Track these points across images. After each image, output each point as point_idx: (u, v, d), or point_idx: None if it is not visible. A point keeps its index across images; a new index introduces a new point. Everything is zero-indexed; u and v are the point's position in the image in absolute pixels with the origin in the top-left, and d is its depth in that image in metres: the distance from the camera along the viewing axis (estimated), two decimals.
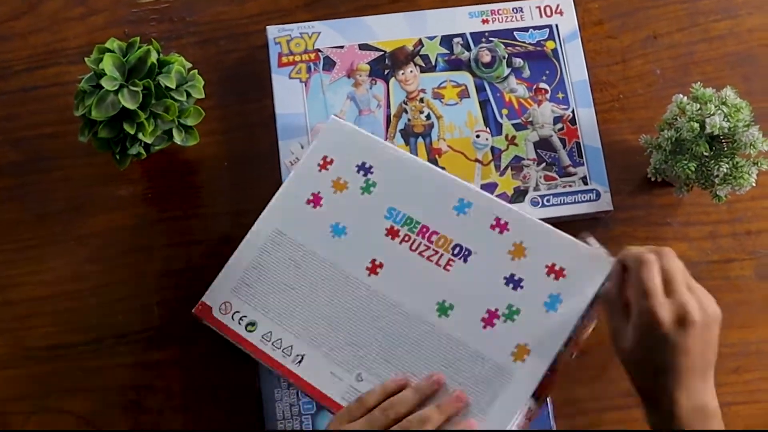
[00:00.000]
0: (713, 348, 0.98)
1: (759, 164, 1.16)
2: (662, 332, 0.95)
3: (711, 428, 0.97)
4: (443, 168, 1.21)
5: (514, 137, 1.26)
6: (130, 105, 1.14)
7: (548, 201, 1.23)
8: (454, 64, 1.29)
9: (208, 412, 1.21)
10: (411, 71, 1.29)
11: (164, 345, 1.23)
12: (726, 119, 1.13)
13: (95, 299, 1.24)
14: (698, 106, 1.15)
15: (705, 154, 1.15)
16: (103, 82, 1.13)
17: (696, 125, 1.14)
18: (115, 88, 1.14)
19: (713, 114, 1.13)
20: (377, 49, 1.30)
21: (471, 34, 1.30)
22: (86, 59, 1.17)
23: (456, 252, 1.10)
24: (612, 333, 1.00)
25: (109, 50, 1.17)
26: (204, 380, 1.22)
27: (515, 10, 1.31)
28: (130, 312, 1.24)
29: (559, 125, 1.27)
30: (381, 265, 1.11)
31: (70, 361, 1.22)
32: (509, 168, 1.25)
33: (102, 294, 1.24)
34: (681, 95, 1.19)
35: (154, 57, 1.17)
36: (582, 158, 1.25)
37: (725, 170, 1.14)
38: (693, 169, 1.15)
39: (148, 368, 1.22)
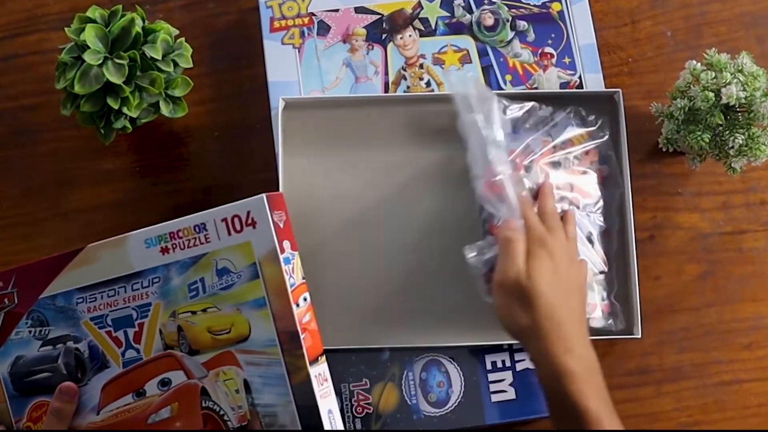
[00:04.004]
0: None
1: None
2: None
3: None
4: None
5: None
6: (115, 79, 1.09)
7: None
8: (455, 28, 1.24)
9: None
10: (410, 35, 1.23)
11: None
12: (742, 88, 1.07)
13: None
14: (713, 74, 1.10)
15: (720, 124, 1.09)
16: (86, 57, 1.08)
17: (711, 95, 1.08)
18: (99, 61, 1.08)
19: (729, 83, 1.08)
20: (374, 12, 1.24)
21: None
22: (67, 30, 1.11)
23: None
24: None
25: (90, 20, 1.11)
26: None
27: None
28: None
29: None
30: None
31: None
32: None
33: None
34: (694, 61, 1.13)
35: (138, 26, 1.12)
36: None
37: (741, 141, 1.09)
38: (707, 140, 1.10)
39: None
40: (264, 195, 0.99)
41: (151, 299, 1.03)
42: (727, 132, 1.10)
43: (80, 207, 1.23)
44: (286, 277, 0.99)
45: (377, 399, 1.14)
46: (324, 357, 1.02)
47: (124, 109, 1.11)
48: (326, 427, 0.99)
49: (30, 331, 1.07)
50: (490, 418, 1.14)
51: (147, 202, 1.22)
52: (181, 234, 1.02)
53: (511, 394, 1.15)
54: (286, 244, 1.00)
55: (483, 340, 1.14)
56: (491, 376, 1.15)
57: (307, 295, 1.02)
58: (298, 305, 1.00)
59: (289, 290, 0.99)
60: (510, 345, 1.16)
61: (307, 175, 1.18)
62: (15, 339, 1.07)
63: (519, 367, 1.15)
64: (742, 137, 1.10)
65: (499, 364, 1.15)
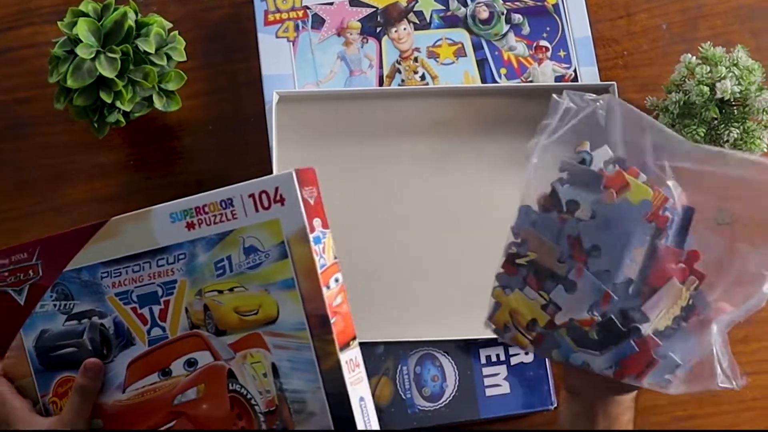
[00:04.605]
0: None
1: None
2: None
3: None
4: None
5: None
6: (108, 73, 1.08)
7: None
8: (450, 21, 1.23)
9: None
10: (404, 29, 1.23)
11: None
12: (737, 83, 1.07)
13: None
14: (708, 68, 1.09)
15: (715, 118, 1.09)
16: (79, 51, 1.07)
17: (706, 89, 1.08)
18: (92, 56, 1.08)
19: (724, 77, 1.08)
20: (369, 5, 1.24)
21: None
22: (59, 23, 1.11)
23: None
24: None
25: (83, 13, 1.11)
26: None
27: None
28: None
29: None
30: None
31: None
32: None
33: None
34: (689, 55, 1.13)
35: (131, 19, 1.11)
36: None
37: (736, 136, 1.09)
38: (702, 134, 1.10)
39: None
40: (293, 170, 0.93)
41: (177, 276, 0.99)
42: (723, 126, 1.10)
43: (74, 201, 1.22)
44: (316, 258, 0.93)
45: (371, 393, 1.14)
46: (356, 341, 0.97)
47: (117, 103, 1.11)
48: (357, 414, 0.94)
49: (55, 305, 1.03)
50: (485, 412, 1.14)
51: (141, 196, 1.22)
52: (207, 209, 0.96)
53: (505, 388, 1.15)
54: (317, 222, 0.95)
55: (477, 334, 1.14)
56: (486, 370, 1.15)
57: (339, 276, 0.96)
58: (328, 287, 0.94)
59: (319, 271, 0.93)
60: None
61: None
62: (40, 312, 1.04)
63: (513, 361, 1.15)
64: (738, 131, 1.10)
65: (494, 358, 1.15)
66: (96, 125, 1.14)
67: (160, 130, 1.24)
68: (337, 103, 1.19)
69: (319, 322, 0.92)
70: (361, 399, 0.94)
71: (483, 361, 1.15)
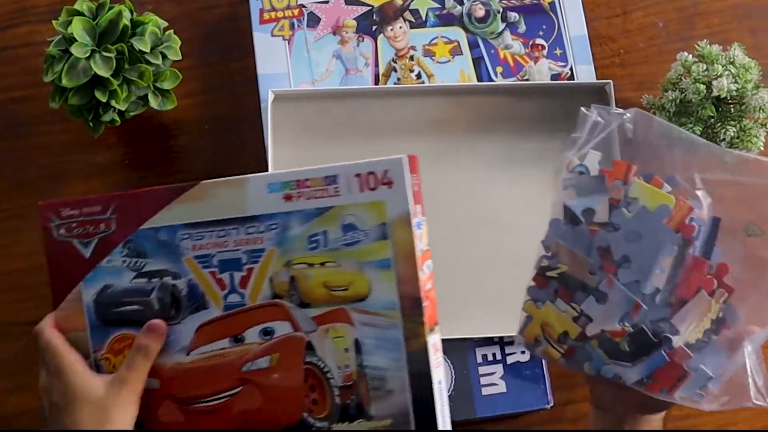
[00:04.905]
0: None
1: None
2: None
3: None
4: None
5: None
6: (103, 72, 1.08)
7: None
8: (446, 19, 1.23)
9: None
10: (400, 27, 1.23)
11: None
12: (734, 81, 1.07)
13: None
14: (704, 66, 1.09)
15: (711, 116, 1.09)
16: (74, 50, 1.07)
17: (702, 87, 1.08)
18: (87, 55, 1.08)
19: (720, 75, 1.08)
20: (364, 4, 1.23)
21: None
22: (54, 22, 1.11)
23: None
24: None
25: (78, 12, 1.10)
26: None
27: None
28: None
29: None
30: None
31: None
32: None
33: None
34: (686, 53, 1.13)
35: (126, 18, 1.11)
36: None
37: (732, 134, 1.09)
38: (698, 132, 1.09)
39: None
40: (405, 155, 0.94)
41: (266, 245, 0.98)
42: (719, 124, 1.10)
43: None
44: (416, 242, 0.94)
45: None
46: (439, 327, 0.97)
47: (113, 102, 1.11)
48: (436, 396, 0.94)
49: (124, 261, 1.01)
50: (481, 411, 1.14)
51: None
52: (308, 183, 0.97)
53: (501, 387, 1.14)
54: (418, 208, 0.96)
55: (473, 333, 1.14)
56: (482, 369, 1.15)
57: (430, 263, 0.97)
58: (423, 271, 0.95)
59: (418, 255, 0.94)
60: (501, 338, 1.15)
61: (297, 167, 1.17)
62: (106, 267, 1.01)
63: (510, 360, 1.15)
64: (734, 129, 1.10)
65: (490, 357, 1.15)
66: (91, 124, 1.14)
67: (156, 129, 1.23)
68: (333, 102, 1.19)
69: (412, 304, 0.94)
70: (439, 382, 0.95)
71: (479, 360, 1.15)
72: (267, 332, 0.98)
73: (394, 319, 0.94)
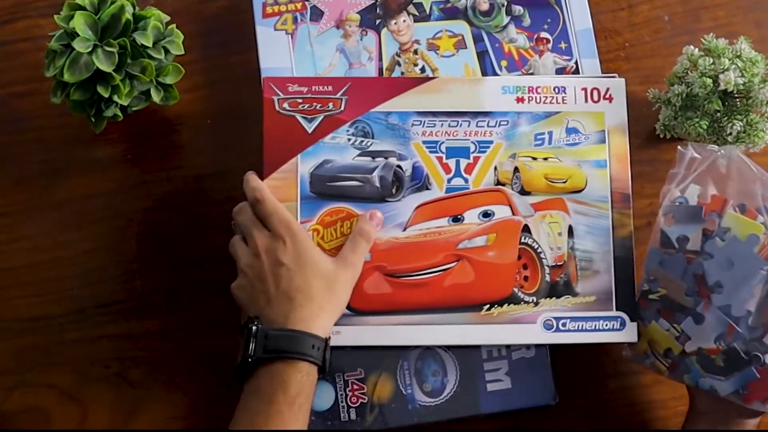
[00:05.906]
0: None
1: None
2: None
3: None
4: None
5: None
6: (105, 67, 1.07)
7: None
8: (450, 13, 1.22)
9: (194, 382, 1.17)
10: (404, 21, 1.22)
11: (148, 314, 1.18)
12: (741, 74, 1.06)
13: (75, 268, 1.20)
14: (711, 60, 1.08)
15: (718, 110, 1.08)
16: (76, 44, 1.06)
17: (709, 81, 1.07)
18: (89, 49, 1.07)
19: (727, 69, 1.07)
20: None
21: None
22: (56, 17, 1.10)
23: None
24: None
25: (80, 6, 1.09)
26: (189, 350, 1.18)
27: None
28: (111, 281, 1.19)
29: None
30: None
31: (51, 333, 1.18)
32: None
33: (82, 262, 1.20)
34: (692, 47, 1.12)
35: (128, 13, 1.10)
36: None
37: (739, 128, 1.09)
38: (705, 127, 1.09)
39: (132, 339, 1.18)
40: (624, 78, 1.14)
41: (494, 138, 1.12)
42: (726, 118, 1.09)
43: (71, 196, 1.21)
44: (627, 148, 1.13)
45: (372, 389, 1.13)
46: None
47: (115, 97, 1.10)
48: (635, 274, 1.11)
49: (350, 139, 1.11)
50: (486, 407, 1.13)
51: (139, 190, 1.21)
52: (539, 90, 1.13)
53: (506, 383, 1.14)
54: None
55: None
56: (487, 365, 1.14)
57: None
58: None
59: (629, 158, 1.12)
60: None
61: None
62: (328, 142, 1.10)
63: (515, 356, 1.14)
64: (741, 124, 1.09)
65: (495, 353, 1.14)
66: (93, 119, 1.13)
67: (158, 124, 1.23)
68: None
69: (621, 198, 1.12)
70: None
71: (484, 356, 1.14)
72: (486, 214, 1.11)
73: (605, 209, 1.11)
